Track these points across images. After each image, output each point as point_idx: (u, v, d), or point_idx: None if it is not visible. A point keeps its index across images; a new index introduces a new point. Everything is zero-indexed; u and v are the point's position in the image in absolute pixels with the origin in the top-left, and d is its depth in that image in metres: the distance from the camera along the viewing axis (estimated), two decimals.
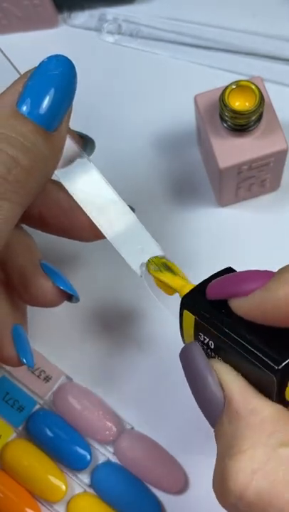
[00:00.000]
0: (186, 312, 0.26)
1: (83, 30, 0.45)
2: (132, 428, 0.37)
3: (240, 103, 0.34)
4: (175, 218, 0.40)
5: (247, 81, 0.34)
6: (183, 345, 0.27)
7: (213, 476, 0.24)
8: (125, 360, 0.38)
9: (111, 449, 0.37)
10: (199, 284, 0.26)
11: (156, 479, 0.36)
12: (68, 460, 0.36)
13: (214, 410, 0.24)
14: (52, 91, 0.25)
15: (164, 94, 0.43)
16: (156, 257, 0.29)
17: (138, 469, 0.36)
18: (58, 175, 0.29)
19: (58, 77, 0.25)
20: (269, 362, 0.23)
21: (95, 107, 0.43)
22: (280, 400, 0.24)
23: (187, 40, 0.43)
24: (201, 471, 0.37)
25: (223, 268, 0.26)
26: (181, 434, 0.37)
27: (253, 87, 0.34)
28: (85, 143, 0.31)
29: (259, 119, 0.34)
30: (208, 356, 0.26)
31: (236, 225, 0.40)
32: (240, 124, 0.34)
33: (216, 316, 0.25)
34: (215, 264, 0.39)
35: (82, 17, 0.45)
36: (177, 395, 0.37)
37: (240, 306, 0.24)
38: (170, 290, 0.29)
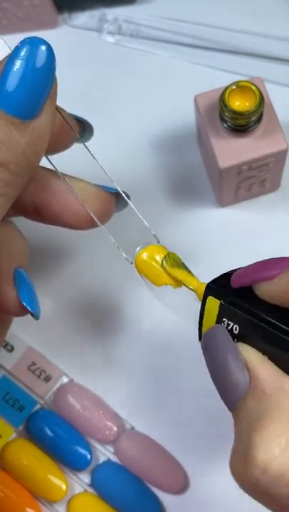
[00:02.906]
0: (210, 298, 0.26)
1: (83, 31, 0.45)
2: (132, 428, 0.37)
3: (240, 103, 0.34)
4: (175, 218, 0.40)
5: (247, 81, 0.34)
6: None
7: (232, 456, 0.23)
8: (125, 360, 0.38)
9: (111, 449, 0.37)
10: (220, 276, 0.27)
11: (157, 479, 0.36)
12: (69, 460, 0.36)
13: (237, 393, 0.24)
14: (27, 77, 0.24)
15: (164, 94, 0.43)
16: (174, 253, 0.29)
17: (138, 469, 0.36)
18: (50, 160, 0.29)
19: (32, 61, 0.24)
20: None
21: (95, 107, 0.43)
22: None
23: (187, 40, 0.43)
24: (201, 471, 0.37)
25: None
26: (181, 434, 0.37)
27: (253, 87, 0.34)
28: (83, 128, 0.30)
29: (259, 119, 0.34)
30: None
31: (236, 225, 0.40)
32: (241, 125, 0.34)
33: (243, 300, 0.25)
34: (215, 265, 0.39)
35: (83, 17, 0.45)
36: (178, 395, 0.37)
37: (267, 290, 0.24)
38: (158, 281, 0.29)
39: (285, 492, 0.21)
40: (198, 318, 0.27)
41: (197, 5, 0.44)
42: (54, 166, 0.29)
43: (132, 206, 0.30)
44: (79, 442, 0.37)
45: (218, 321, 0.26)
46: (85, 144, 0.30)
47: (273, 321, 0.24)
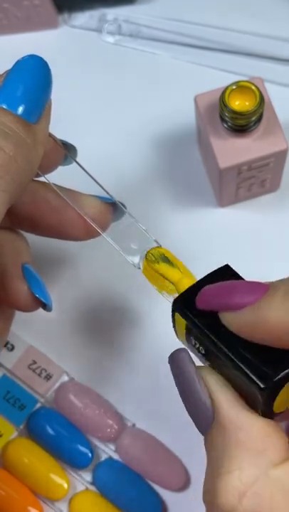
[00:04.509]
0: (177, 315, 0.25)
1: (83, 31, 0.45)
2: (134, 425, 0.38)
3: (240, 103, 0.34)
4: (175, 218, 0.40)
5: (247, 81, 0.34)
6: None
7: (204, 491, 0.24)
8: (126, 358, 0.38)
9: (112, 447, 0.37)
10: (193, 286, 0.25)
11: (158, 476, 0.36)
12: (70, 458, 0.37)
13: (203, 422, 0.24)
14: (28, 86, 0.26)
15: (164, 94, 0.43)
16: (155, 248, 0.29)
17: (140, 467, 0.36)
18: (44, 176, 0.30)
19: (33, 73, 0.26)
20: (256, 380, 0.22)
21: (95, 107, 0.43)
22: (267, 412, 0.23)
23: (187, 40, 0.43)
24: (202, 468, 0.37)
25: (220, 266, 0.26)
26: (182, 431, 0.37)
27: (253, 87, 0.34)
28: (67, 150, 0.31)
29: (259, 119, 0.34)
30: (200, 359, 0.25)
31: (236, 225, 0.40)
32: (241, 125, 0.34)
33: (206, 325, 0.24)
34: (215, 265, 0.39)
35: (83, 18, 0.45)
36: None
37: (231, 321, 0.23)
38: (163, 286, 0.28)
39: None
40: None
41: (197, 5, 0.44)
42: (47, 179, 0.30)
43: (130, 215, 0.30)
44: (80, 440, 0.37)
45: (187, 337, 0.25)
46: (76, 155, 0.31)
47: (232, 356, 0.23)
